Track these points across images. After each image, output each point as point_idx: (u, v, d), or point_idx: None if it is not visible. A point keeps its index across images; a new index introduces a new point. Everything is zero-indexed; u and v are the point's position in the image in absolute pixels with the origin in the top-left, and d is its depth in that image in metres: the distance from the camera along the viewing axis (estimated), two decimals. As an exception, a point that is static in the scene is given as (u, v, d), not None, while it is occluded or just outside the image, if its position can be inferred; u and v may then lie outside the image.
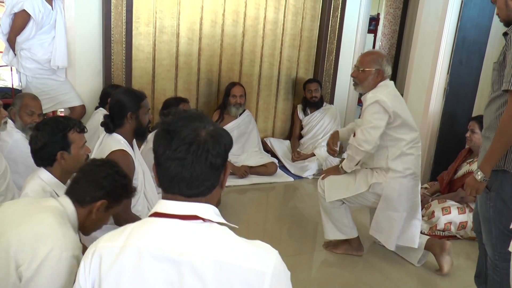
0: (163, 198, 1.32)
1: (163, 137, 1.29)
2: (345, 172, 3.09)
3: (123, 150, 2.63)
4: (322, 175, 3.20)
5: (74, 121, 2.23)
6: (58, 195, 2.17)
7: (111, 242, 1.26)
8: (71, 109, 4.25)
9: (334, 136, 3.25)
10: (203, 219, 1.26)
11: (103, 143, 2.74)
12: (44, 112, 4.22)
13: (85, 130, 2.28)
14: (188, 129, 1.28)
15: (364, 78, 2.94)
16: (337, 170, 3.15)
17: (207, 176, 1.28)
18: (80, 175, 1.91)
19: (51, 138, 2.13)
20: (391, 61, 3.24)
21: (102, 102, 4.07)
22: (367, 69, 2.92)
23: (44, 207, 1.74)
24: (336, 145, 3.24)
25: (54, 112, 4.73)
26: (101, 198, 1.84)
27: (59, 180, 2.19)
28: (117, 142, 2.69)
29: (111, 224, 2.59)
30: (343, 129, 3.32)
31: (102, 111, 3.94)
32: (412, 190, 2.99)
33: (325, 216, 3.19)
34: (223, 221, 1.29)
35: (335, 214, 3.12)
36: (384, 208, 2.99)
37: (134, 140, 2.84)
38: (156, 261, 1.21)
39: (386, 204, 2.97)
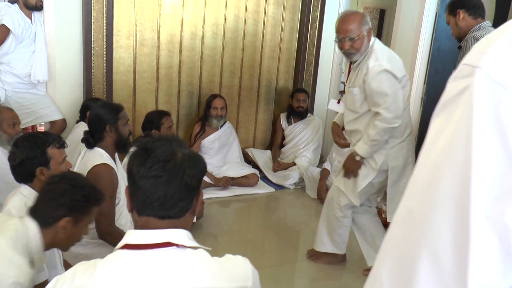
0: (135, 227, 1.30)
1: (138, 155, 1.28)
2: (362, 159, 2.82)
3: (106, 164, 2.64)
4: (346, 175, 2.93)
5: (53, 136, 2.23)
6: None
7: (84, 280, 1.20)
8: (52, 123, 4.22)
9: (337, 128, 3.10)
10: (177, 245, 1.23)
11: (85, 158, 2.75)
12: (24, 126, 4.20)
13: (65, 146, 2.28)
14: (164, 148, 1.27)
15: (360, 45, 2.70)
16: (356, 163, 2.85)
17: (181, 197, 1.26)
18: (40, 195, 1.86)
19: (30, 154, 2.12)
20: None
21: (83, 116, 4.06)
22: (360, 35, 2.70)
23: (2, 228, 1.70)
24: (344, 137, 3.10)
25: (33, 126, 4.68)
26: (64, 216, 1.77)
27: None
28: (99, 156, 2.70)
29: (95, 238, 2.59)
30: (337, 118, 3.17)
31: (83, 125, 3.93)
32: (413, 148, 2.92)
33: (325, 230, 3.11)
34: (197, 245, 1.27)
35: (341, 231, 3.06)
36: (394, 182, 2.86)
37: (116, 154, 2.85)
38: None
39: (394, 178, 2.86)
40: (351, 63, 2.90)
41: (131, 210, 1.32)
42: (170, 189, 1.24)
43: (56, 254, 2.20)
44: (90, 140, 2.76)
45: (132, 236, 1.26)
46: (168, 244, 1.22)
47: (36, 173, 2.13)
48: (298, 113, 5.07)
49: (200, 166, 1.32)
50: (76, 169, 2.74)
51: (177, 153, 1.28)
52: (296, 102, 5.05)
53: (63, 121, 4.23)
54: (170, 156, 1.26)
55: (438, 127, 0.63)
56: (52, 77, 4.18)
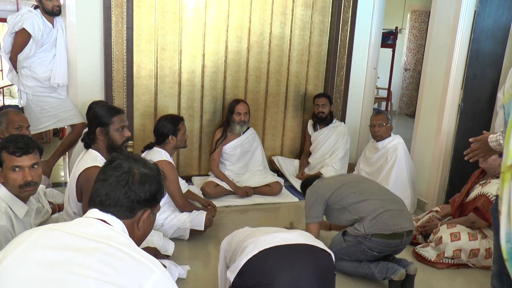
0: None
1: (104, 166, 1.50)
2: None
3: (97, 166, 2.57)
4: None
5: (14, 141, 2.16)
6: (13, 211, 2.13)
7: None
8: (72, 126, 4.25)
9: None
10: (108, 224, 1.40)
11: (81, 160, 2.71)
12: (45, 129, 4.28)
13: (18, 154, 2.15)
14: (126, 163, 1.47)
15: None
16: None
17: (121, 202, 1.42)
18: None
19: None
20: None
21: None
22: None
23: None
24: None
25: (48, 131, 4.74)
26: None
27: (15, 195, 2.16)
28: (92, 158, 2.65)
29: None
30: None
31: None
32: None
33: None
34: (126, 235, 1.41)
35: None
36: None
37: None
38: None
39: None
40: None
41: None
42: (111, 191, 1.41)
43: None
44: (86, 140, 2.72)
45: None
46: (102, 221, 1.40)
47: None
48: (323, 119, 4.82)
49: (149, 187, 1.45)
50: (72, 171, 2.71)
51: (133, 169, 1.45)
52: (316, 107, 4.82)
53: (83, 124, 4.22)
54: (125, 169, 1.44)
55: None
56: (73, 81, 4.21)
